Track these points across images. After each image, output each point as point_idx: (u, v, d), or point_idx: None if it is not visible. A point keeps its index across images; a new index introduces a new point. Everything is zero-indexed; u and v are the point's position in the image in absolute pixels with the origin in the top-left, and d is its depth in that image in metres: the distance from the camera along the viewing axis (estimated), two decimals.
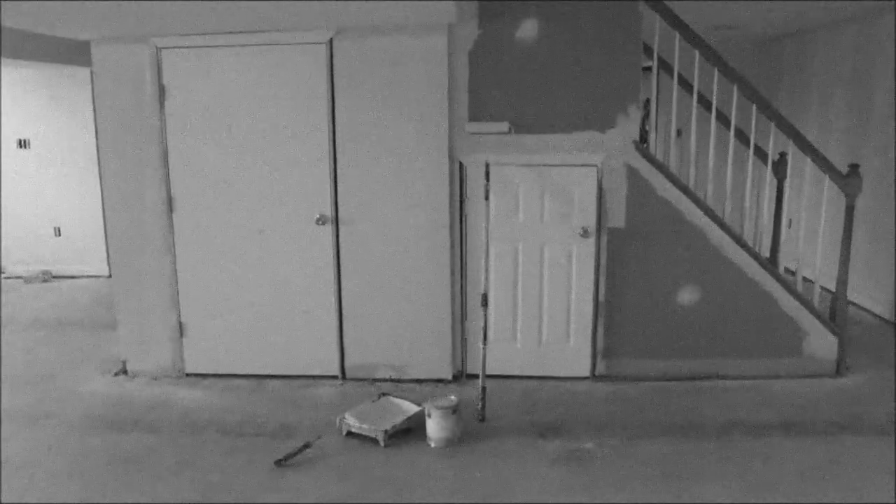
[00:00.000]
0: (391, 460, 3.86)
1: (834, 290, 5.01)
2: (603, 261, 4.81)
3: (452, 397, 4.13)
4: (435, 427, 3.99)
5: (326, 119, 4.70)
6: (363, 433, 4.05)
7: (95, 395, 4.79)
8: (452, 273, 4.83)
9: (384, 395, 4.46)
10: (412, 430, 4.15)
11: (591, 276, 4.82)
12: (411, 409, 4.25)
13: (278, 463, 3.79)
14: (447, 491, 3.55)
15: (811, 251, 5.29)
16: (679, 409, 4.45)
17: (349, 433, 4.11)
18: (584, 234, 4.74)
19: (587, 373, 4.93)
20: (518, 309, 4.90)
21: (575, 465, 3.77)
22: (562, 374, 4.92)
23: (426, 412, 4.03)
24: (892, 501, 3.42)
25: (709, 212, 4.76)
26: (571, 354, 4.92)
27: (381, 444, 3.98)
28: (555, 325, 4.90)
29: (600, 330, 4.89)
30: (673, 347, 4.90)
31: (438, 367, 4.92)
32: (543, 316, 4.90)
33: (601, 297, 4.85)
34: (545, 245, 4.81)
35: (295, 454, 3.85)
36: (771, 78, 8.08)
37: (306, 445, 3.91)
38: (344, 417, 4.14)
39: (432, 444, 4.01)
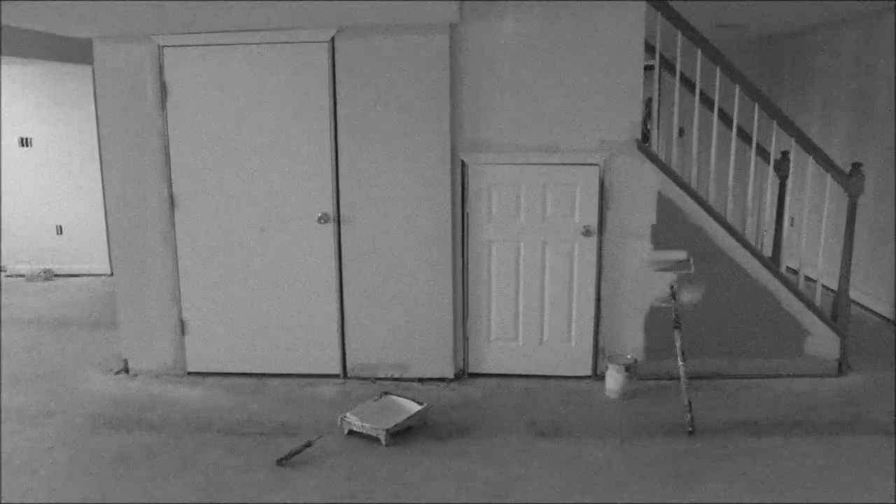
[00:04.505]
0: (393, 459, 3.85)
1: (836, 289, 5.01)
2: (605, 260, 4.80)
3: (629, 356, 4.72)
4: (613, 381, 4.59)
5: (328, 117, 4.70)
6: (365, 432, 4.05)
7: (97, 393, 4.79)
8: (454, 271, 4.83)
9: (386, 393, 4.46)
10: (413, 428, 4.15)
11: (594, 276, 4.81)
12: (413, 407, 4.25)
13: (280, 462, 3.79)
14: (449, 490, 3.55)
15: (813, 250, 5.28)
16: (681, 408, 4.45)
17: (351, 432, 4.11)
18: (587, 233, 4.72)
19: (589, 372, 4.91)
20: (519, 308, 4.89)
21: (575, 464, 3.77)
22: (563, 373, 4.91)
23: (605, 366, 4.63)
24: (893, 501, 3.42)
25: (711, 210, 4.75)
26: (573, 354, 4.91)
27: (384, 443, 3.98)
28: (556, 325, 4.89)
29: (602, 329, 4.88)
30: (675, 346, 4.88)
31: (440, 365, 4.91)
32: (545, 315, 4.89)
33: (603, 296, 4.84)
34: (547, 244, 4.80)
35: (296, 453, 3.84)
36: (773, 76, 8.07)
37: (308, 444, 3.90)
38: (346, 416, 4.14)
39: (612, 396, 4.60)
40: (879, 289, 6.21)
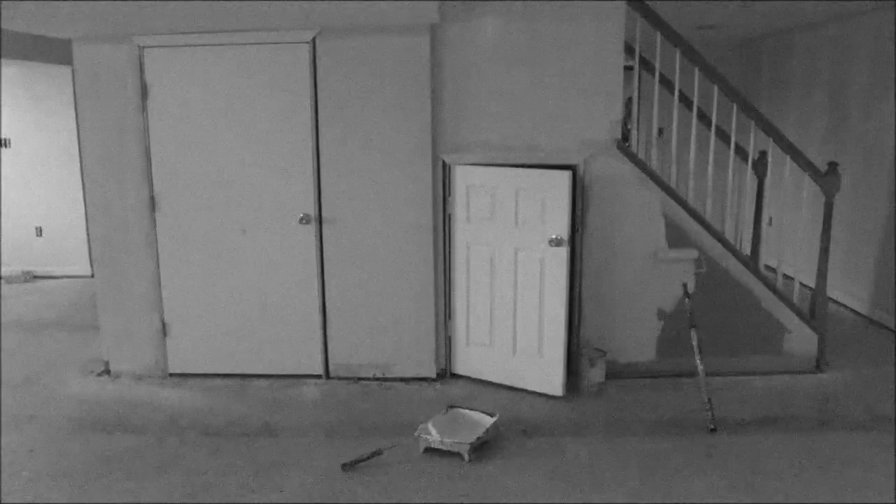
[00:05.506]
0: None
1: (814, 286, 5.07)
2: (586, 261, 4.82)
3: (597, 349, 4.78)
4: (594, 373, 4.68)
5: (310, 118, 4.70)
6: (445, 448, 3.87)
7: (78, 396, 4.76)
8: (436, 272, 4.85)
9: (452, 407, 4.28)
10: (489, 441, 4.01)
11: (563, 290, 4.53)
12: (486, 420, 4.08)
13: (344, 467, 3.70)
14: (436, 489, 3.57)
15: (791, 248, 5.34)
16: (661, 406, 4.49)
17: (428, 449, 3.91)
18: (555, 243, 4.49)
19: (559, 391, 4.61)
20: (493, 315, 4.79)
21: (559, 462, 3.80)
22: (534, 388, 4.69)
23: (591, 363, 4.65)
24: (870, 497, 3.46)
25: (690, 210, 4.80)
26: (544, 369, 4.65)
27: (466, 458, 3.81)
28: (527, 337, 4.70)
29: (584, 334, 4.89)
30: (655, 346, 4.93)
31: (422, 365, 4.93)
32: (517, 325, 4.73)
33: (584, 298, 4.87)
34: (519, 251, 4.64)
35: (363, 460, 3.73)
36: (751, 77, 8.15)
37: (377, 452, 3.77)
38: (424, 431, 3.93)
39: (583, 385, 4.69)
40: (856, 286, 6.29)
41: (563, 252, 4.51)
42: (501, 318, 4.78)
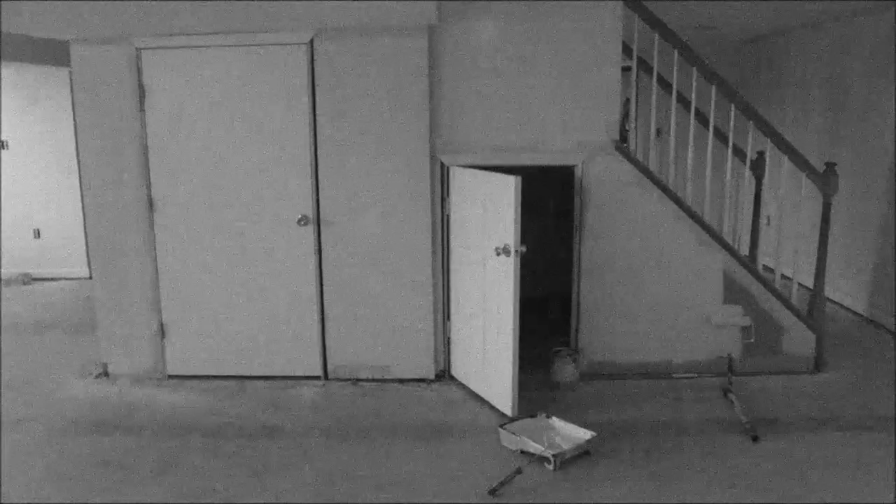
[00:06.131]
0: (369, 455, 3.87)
1: (812, 287, 5.07)
2: (584, 262, 4.83)
3: (572, 349, 4.91)
4: (559, 372, 4.80)
5: (308, 119, 4.70)
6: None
7: (76, 398, 4.76)
8: (434, 272, 4.84)
9: (536, 414, 4.21)
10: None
11: (510, 303, 4.20)
12: (583, 434, 3.97)
13: (493, 492, 3.51)
14: (429, 488, 3.57)
15: (789, 248, 5.35)
16: (659, 406, 4.49)
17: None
18: (503, 251, 4.20)
19: (509, 410, 4.29)
20: (471, 322, 4.68)
21: (557, 465, 3.80)
22: (494, 402, 4.46)
23: (572, 360, 4.79)
24: (870, 497, 3.47)
25: (688, 210, 4.80)
26: (501, 386, 4.38)
27: (551, 468, 3.75)
28: (489, 349, 4.49)
29: (581, 338, 4.90)
30: (652, 345, 4.93)
31: (421, 366, 4.92)
32: (486, 337, 4.51)
33: (582, 300, 4.87)
34: (486, 258, 4.42)
35: (508, 481, 3.57)
36: (749, 77, 8.16)
37: (518, 471, 3.62)
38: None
39: (558, 380, 4.80)
40: (854, 286, 6.30)
41: (510, 262, 4.15)
42: (476, 326, 4.63)
